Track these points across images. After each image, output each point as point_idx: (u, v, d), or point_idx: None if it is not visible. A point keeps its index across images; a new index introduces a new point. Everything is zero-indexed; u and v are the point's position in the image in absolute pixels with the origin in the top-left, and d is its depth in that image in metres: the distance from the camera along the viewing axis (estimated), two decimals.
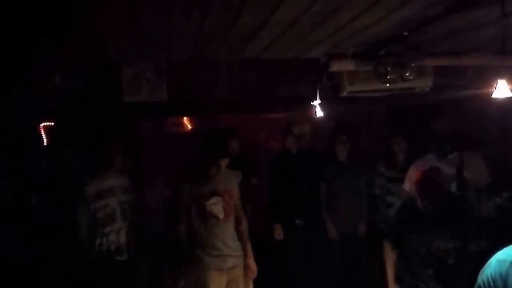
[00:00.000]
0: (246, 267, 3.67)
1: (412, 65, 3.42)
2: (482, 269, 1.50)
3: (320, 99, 4.02)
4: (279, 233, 4.62)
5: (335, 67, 3.70)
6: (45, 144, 4.74)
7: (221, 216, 3.55)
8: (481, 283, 1.47)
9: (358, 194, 4.82)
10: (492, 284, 1.43)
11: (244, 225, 3.76)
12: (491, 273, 1.44)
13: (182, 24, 2.70)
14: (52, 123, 4.67)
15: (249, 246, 3.73)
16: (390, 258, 3.64)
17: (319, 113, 4.13)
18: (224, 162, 3.58)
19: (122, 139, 4.28)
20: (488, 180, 3.88)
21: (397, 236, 3.51)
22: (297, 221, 4.64)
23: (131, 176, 4.17)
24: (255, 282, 3.76)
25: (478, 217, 3.82)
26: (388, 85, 3.62)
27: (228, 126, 4.96)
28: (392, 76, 3.48)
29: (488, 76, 2.90)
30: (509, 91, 2.66)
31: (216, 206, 3.54)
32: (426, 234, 3.36)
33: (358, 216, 4.77)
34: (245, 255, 3.68)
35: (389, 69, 3.45)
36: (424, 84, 3.84)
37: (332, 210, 4.73)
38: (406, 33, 3.05)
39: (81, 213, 3.70)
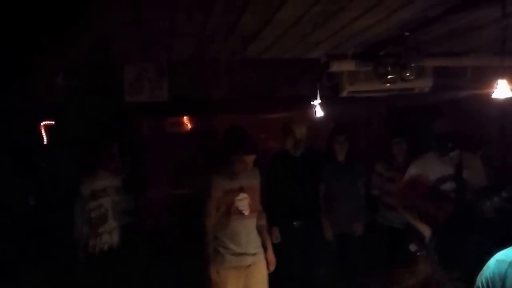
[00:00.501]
0: (267, 259, 3.72)
1: (412, 65, 3.43)
2: (482, 270, 1.50)
3: (320, 99, 4.03)
4: (276, 236, 4.60)
5: (335, 67, 3.71)
6: (45, 143, 4.74)
7: (246, 212, 3.57)
8: (480, 284, 1.48)
9: (357, 194, 4.82)
10: (490, 285, 1.44)
11: (264, 220, 3.81)
12: (490, 273, 1.45)
13: (184, 24, 2.71)
14: (53, 122, 4.67)
15: (268, 240, 3.80)
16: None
17: (319, 113, 4.14)
18: (251, 158, 3.55)
19: (120, 139, 4.27)
20: (485, 183, 3.90)
21: None
22: (295, 222, 4.64)
23: (132, 176, 4.17)
24: None
25: (477, 218, 3.84)
26: (388, 85, 3.64)
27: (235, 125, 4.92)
28: (392, 77, 3.50)
29: (488, 76, 2.92)
30: (510, 92, 2.68)
31: (242, 202, 3.57)
32: None
33: (356, 217, 4.78)
34: (265, 249, 3.73)
35: (389, 69, 3.46)
36: (424, 84, 3.85)
37: (330, 211, 4.73)
38: (406, 34, 3.06)
39: (77, 213, 3.70)
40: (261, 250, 3.71)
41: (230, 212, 3.54)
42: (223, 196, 3.54)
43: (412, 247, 4.04)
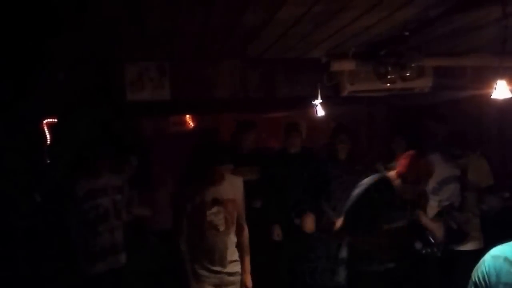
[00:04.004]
0: (242, 283, 3.48)
1: (412, 65, 3.44)
2: (476, 266, 1.53)
3: (321, 98, 4.04)
4: (277, 233, 4.61)
5: (336, 67, 3.72)
6: (47, 142, 4.75)
7: (221, 228, 3.31)
8: (476, 279, 1.50)
9: None
10: (487, 279, 1.47)
11: (245, 236, 3.54)
12: (485, 268, 1.48)
13: (186, 23, 2.72)
14: (55, 121, 4.69)
15: (247, 260, 3.51)
16: None
17: (320, 112, 4.16)
18: (226, 168, 3.32)
19: (121, 139, 4.28)
20: (491, 182, 3.91)
21: None
22: (296, 221, 4.65)
23: (137, 174, 4.18)
24: (254, 282, 3.68)
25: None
26: (388, 85, 3.65)
27: (246, 119, 4.93)
28: (393, 76, 3.51)
29: (487, 76, 2.93)
30: (509, 92, 2.69)
31: (217, 216, 3.30)
32: None
33: None
34: (243, 270, 3.47)
35: (389, 69, 3.48)
36: (424, 84, 3.86)
37: (332, 209, 4.75)
38: (407, 33, 3.07)
39: (70, 213, 3.68)
40: (239, 271, 3.45)
41: (204, 226, 3.28)
42: (194, 210, 3.27)
43: (418, 245, 4.05)
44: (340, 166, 4.78)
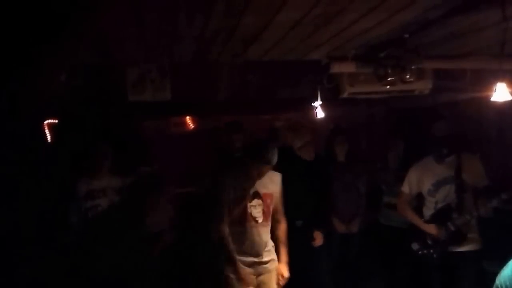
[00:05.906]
0: (277, 272, 3.62)
1: (412, 67, 3.45)
2: (501, 270, 1.53)
3: (321, 100, 4.05)
4: None
5: (336, 69, 3.73)
6: (48, 142, 4.76)
7: (260, 220, 3.49)
8: (499, 283, 1.50)
9: (357, 194, 4.86)
10: (508, 284, 1.47)
11: (283, 229, 3.70)
12: (509, 274, 1.48)
13: (185, 26, 2.73)
14: (56, 122, 4.70)
15: (284, 252, 3.67)
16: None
17: (320, 114, 4.17)
18: (267, 168, 3.48)
19: (121, 139, 4.28)
20: (486, 183, 3.92)
21: None
22: (297, 222, 4.65)
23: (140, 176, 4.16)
24: None
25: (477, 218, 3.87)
26: (388, 87, 3.66)
27: (233, 120, 4.94)
28: (392, 78, 3.52)
29: (487, 79, 2.94)
30: (509, 95, 2.70)
31: (256, 209, 3.48)
32: None
33: (357, 216, 4.81)
34: (279, 260, 3.62)
35: (389, 71, 3.48)
36: (424, 86, 3.87)
37: (331, 210, 4.76)
38: (407, 36, 3.08)
39: (72, 212, 3.70)
40: (275, 258, 3.60)
41: (244, 218, 3.45)
42: (235, 202, 3.44)
43: (415, 246, 4.06)
44: (339, 167, 4.80)
